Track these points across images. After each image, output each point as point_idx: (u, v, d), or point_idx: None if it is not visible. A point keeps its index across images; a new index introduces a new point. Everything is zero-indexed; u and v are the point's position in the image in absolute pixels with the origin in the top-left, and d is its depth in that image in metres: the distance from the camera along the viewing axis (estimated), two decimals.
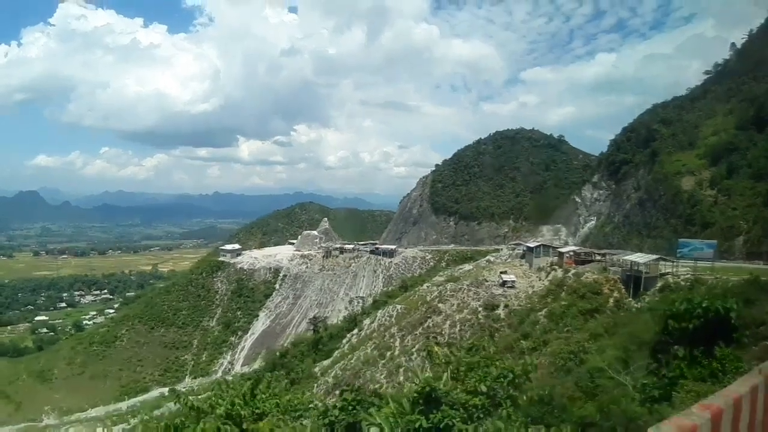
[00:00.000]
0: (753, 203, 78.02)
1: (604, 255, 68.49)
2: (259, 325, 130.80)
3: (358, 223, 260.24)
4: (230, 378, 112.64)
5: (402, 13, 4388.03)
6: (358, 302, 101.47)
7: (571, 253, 68.33)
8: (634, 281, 54.25)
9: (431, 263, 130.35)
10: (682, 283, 51.23)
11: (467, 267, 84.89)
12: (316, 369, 69.13)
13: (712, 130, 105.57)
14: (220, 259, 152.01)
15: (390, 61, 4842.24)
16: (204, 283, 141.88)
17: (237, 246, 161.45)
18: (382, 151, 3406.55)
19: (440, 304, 64.74)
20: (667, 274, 53.92)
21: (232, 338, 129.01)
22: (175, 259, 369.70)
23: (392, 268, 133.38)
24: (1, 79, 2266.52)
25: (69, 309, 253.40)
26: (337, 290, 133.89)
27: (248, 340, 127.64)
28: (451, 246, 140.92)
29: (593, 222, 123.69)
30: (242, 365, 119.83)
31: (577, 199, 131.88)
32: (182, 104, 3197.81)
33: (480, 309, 59.59)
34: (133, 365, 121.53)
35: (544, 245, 76.36)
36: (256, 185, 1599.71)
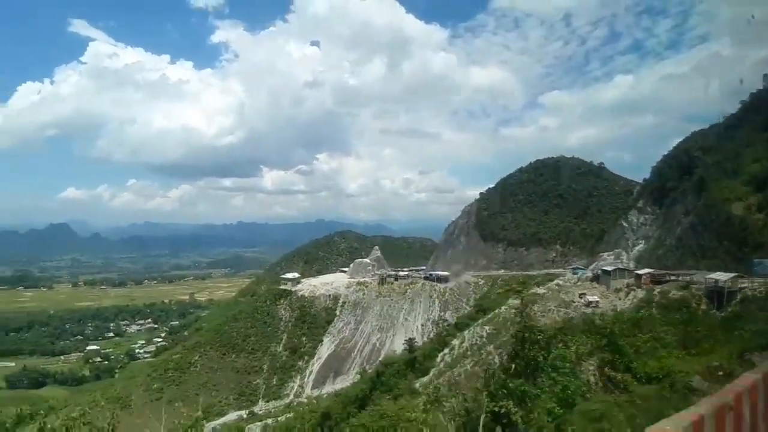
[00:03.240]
0: None
1: (678, 275, 75.75)
2: (325, 350, 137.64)
3: (393, 250, 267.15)
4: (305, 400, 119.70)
5: (421, 43, 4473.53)
6: (442, 324, 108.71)
7: (648, 275, 75.77)
8: (717, 295, 62.27)
9: (484, 288, 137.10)
10: (758, 294, 59.19)
11: (540, 290, 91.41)
12: (417, 384, 75.99)
13: (752, 158, 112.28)
14: (281, 287, 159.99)
15: (409, 89, 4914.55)
16: (269, 310, 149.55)
17: (297, 275, 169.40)
18: (402, 177, 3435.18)
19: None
20: (745, 287, 61.64)
21: (300, 363, 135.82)
22: (210, 288, 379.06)
23: (447, 293, 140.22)
24: (34, 116, 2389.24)
25: (117, 338, 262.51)
26: (396, 315, 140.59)
27: (315, 365, 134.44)
28: (502, 271, 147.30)
29: (642, 245, 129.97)
30: (312, 388, 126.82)
31: (624, 224, 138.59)
32: (208, 137, 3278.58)
33: None
34: (208, 390, 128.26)
35: (619, 268, 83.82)
36: (279, 214, 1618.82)
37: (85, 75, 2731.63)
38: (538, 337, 14.67)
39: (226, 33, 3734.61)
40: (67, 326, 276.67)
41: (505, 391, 11.95)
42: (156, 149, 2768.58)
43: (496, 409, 10.52)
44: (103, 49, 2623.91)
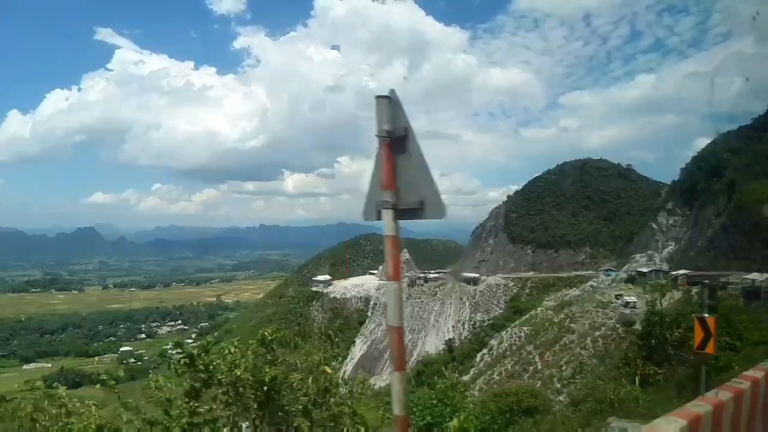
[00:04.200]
0: None
1: (713, 276, 77.55)
2: (357, 351, 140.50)
3: (417, 252, 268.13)
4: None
5: (441, 45, 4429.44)
6: (479, 325, 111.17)
7: (684, 276, 77.71)
8: (755, 295, 64.46)
9: (514, 290, 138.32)
10: None
11: (575, 292, 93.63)
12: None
13: None
14: (313, 289, 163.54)
15: (429, 92, 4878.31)
16: (302, 311, 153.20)
17: (328, 277, 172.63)
18: None
19: (572, 324, 74.13)
20: None
21: (333, 363, 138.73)
22: (236, 290, 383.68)
23: (477, 296, 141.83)
24: (62, 122, 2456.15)
25: (149, 340, 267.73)
26: (427, 317, 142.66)
27: (349, 365, 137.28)
28: (531, 273, 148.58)
29: (672, 247, 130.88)
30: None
31: (654, 226, 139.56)
32: (231, 141, 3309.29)
33: (618, 326, 68.93)
34: None
35: (655, 270, 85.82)
36: (300, 217, 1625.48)
37: (112, 82, 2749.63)
38: (665, 320, 17.36)
39: (248, 39, 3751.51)
40: (100, 328, 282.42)
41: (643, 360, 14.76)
42: (180, 154, 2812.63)
43: (645, 371, 13.33)
44: (129, 56, 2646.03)
